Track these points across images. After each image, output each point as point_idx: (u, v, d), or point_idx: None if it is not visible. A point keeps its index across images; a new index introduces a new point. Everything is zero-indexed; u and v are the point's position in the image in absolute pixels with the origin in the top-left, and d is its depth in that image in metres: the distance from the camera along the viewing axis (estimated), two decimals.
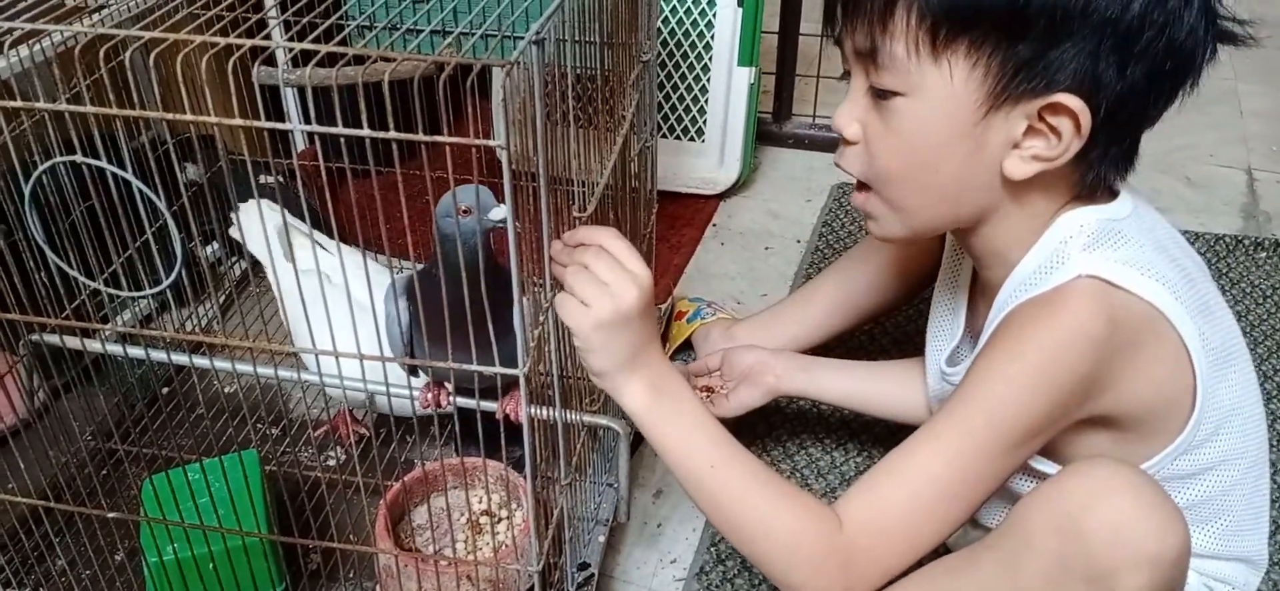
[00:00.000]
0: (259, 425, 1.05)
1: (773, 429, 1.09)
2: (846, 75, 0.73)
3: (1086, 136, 0.65)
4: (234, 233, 1.06)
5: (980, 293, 0.82)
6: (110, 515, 0.80)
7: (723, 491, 0.73)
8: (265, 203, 1.02)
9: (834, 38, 0.73)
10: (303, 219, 1.06)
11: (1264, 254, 1.36)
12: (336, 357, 0.71)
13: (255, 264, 1.14)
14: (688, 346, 1.16)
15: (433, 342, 0.82)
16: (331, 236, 1.02)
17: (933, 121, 0.68)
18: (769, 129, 1.65)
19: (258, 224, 0.96)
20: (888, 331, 1.22)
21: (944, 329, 0.88)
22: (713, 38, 1.41)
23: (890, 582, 0.72)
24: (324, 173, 0.65)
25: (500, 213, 0.76)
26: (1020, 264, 0.72)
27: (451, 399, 0.90)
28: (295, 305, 0.90)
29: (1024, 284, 0.71)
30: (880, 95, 0.69)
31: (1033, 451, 0.71)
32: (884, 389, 0.99)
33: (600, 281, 0.69)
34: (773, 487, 0.73)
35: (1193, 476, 0.74)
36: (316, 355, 0.81)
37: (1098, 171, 0.69)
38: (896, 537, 0.70)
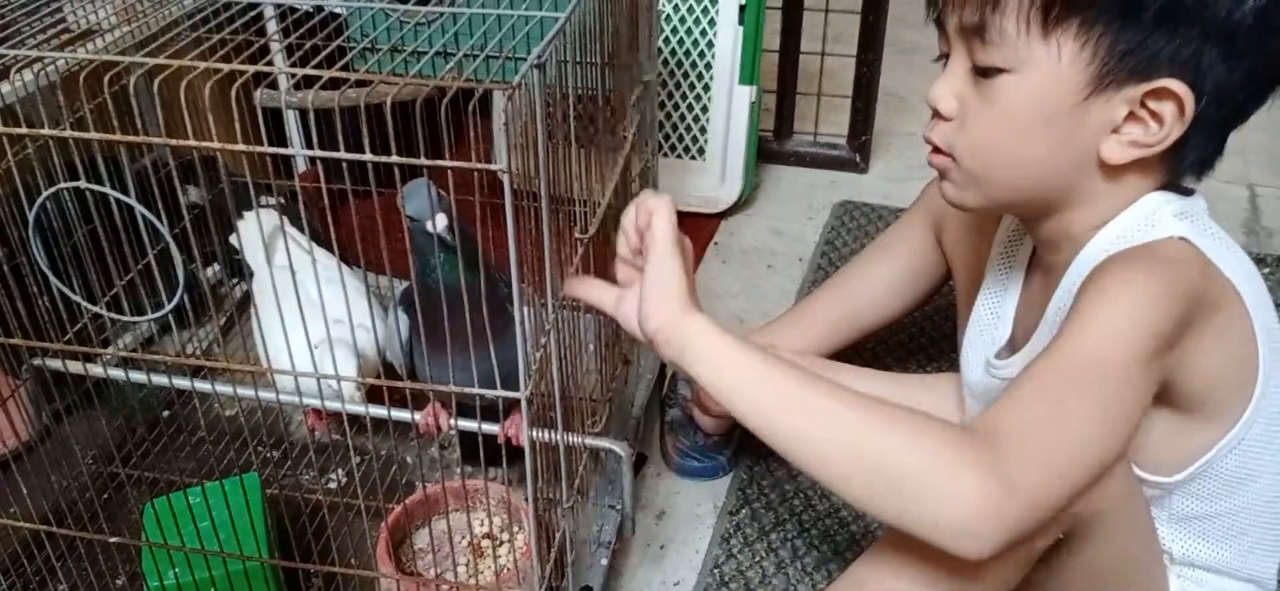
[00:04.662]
0: (260, 448, 1.04)
1: None
2: (943, 57, 0.72)
3: (1188, 124, 0.65)
4: (234, 240, 1.06)
5: (1035, 291, 0.81)
6: (112, 540, 0.80)
7: (808, 397, 0.66)
8: (264, 212, 1.03)
9: (934, 16, 0.72)
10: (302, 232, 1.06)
11: (1266, 269, 1.36)
12: (332, 377, 0.70)
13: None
14: None
15: (433, 354, 0.82)
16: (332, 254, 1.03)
17: (1035, 100, 0.68)
18: (770, 147, 1.65)
19: (255, 231, 0.97)
20: (887, 345, 1.22)
21: (984, 335, 0.87)
22: (713, 57, 1.41)
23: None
24: (326, 194, 0.65)
25: (439, 223, 0.76)
26: (1103, 231, 0.71)
27: (453, 421, 0.90)
28: (265, 312, 0.90)
29: (1106, 247, 0.70)
30: (984, 73, 0.69)
31: (1148, 392, 0.66)
32: (917, 402, 0.97)
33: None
34: (870, 399, 0.66)
35: (1237, 484, 0.73)
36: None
37: (1189, 164, 0.69)
38: (1043, 447, 0.63)
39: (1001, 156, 0.71)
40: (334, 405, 0.84)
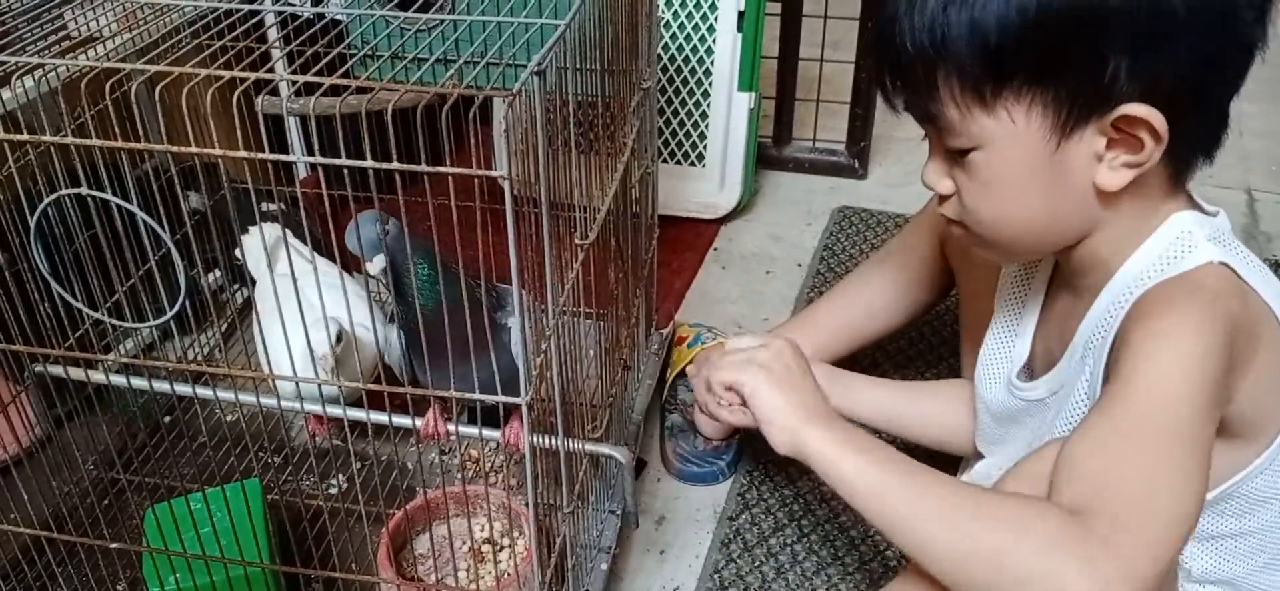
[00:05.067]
0: (261, 453, 1.04)
1: None
2: (927, 138, 0.74)
3: (1166, 135, 0.64)
4: (240, 254, 1.07)
5: (1059, 311, 0.81)
6: (112, 545, 0.80)
7: (910, 487, 0.70)
8: (267, 225, 1.03)
9: (897, 110, 0.73)
10: (304, 243, 1.07)
11: None
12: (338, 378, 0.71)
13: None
14: None
15: (433, 361, 0.82)
16: (333, 262, 1.03)
17: (1010, 166, 0.68)
18: (769, 153, 1.65)
19: (258, 244, 0.97)
20: (886, 351, 1.22)
21: (1002, 352, 0.87)
22: (712, 63, 1.42)
23: None
24: (327, 201, 0.65)
25: (376, 265, 0.78)
26: (1135, 256, 0.70)
27: (454, 428, 0.90)
28: (266, 318, 0.91)
29: (1143, 275, 0.70)
30: (957, 153, 0.70)
31: (1213, 433, 0.66)
32: (924, 409, 0.98)
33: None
34: (963, 483, 0.71)
35: (1260, 504, 0.73)
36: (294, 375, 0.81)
37: (1190, 156, 0.69)
38: (1148, 523, 0.62)
39: (1003, 220, 0.72)
40: (335, 412, 0.84)
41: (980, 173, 0.70)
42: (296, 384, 0.76)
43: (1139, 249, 0.70)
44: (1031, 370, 0.83)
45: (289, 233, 1.01)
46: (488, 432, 0.92)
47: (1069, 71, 0.64)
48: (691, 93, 1.44)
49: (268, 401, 0.90)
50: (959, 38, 0.64)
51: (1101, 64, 0.63)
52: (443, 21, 0.74)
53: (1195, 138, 0.68)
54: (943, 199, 0.75)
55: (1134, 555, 0.61)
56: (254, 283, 1.04)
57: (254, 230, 1.03)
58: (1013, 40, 0.63)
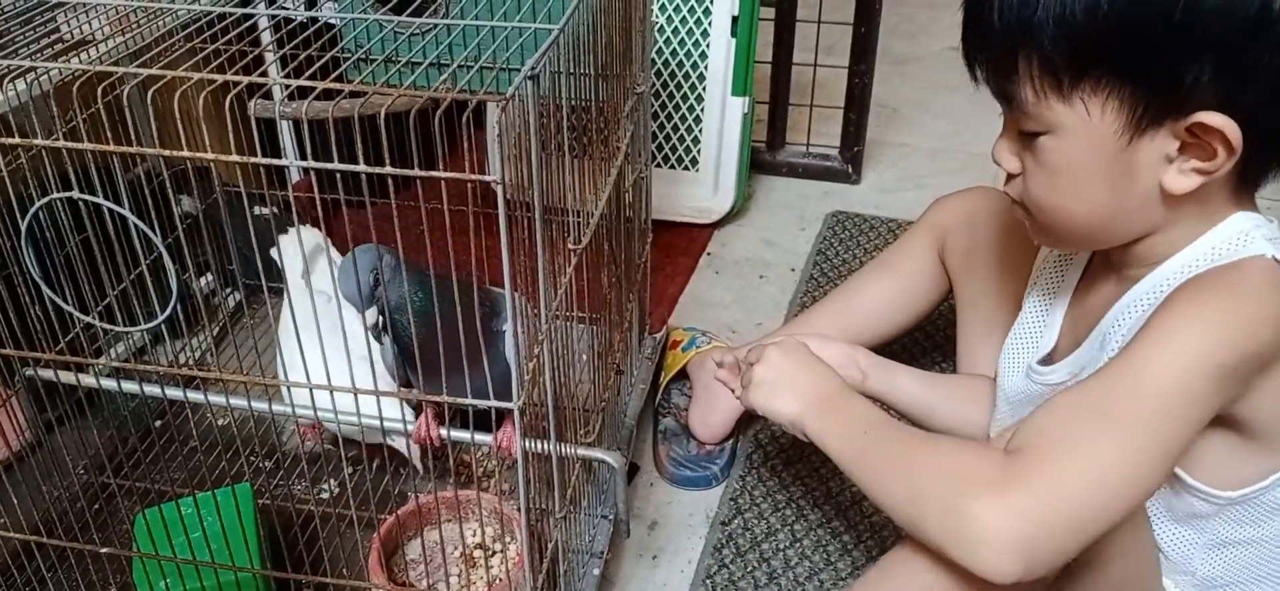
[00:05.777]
0: (252, 458, 1.04)
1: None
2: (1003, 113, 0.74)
3: (1240, 147, 0.63)
4: (275, 254, 1.06)
5: (1095, 299, 0.81)
6: (102, 550, 0.80)
7: (881, 447, 0.74)
8: (307, 231, 1.02)
9: (977, 81, 0.73)
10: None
11: None
12: (331, 389, 0.70)
13: (249, 296, 1.15)
14: (683, 375, 1.16)
15: (426, 367, 0.82)
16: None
17: (1079, 156, 0.68)
18: (763, 158, 1.65)
19: (295, 249, 0.96)
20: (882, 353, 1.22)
21: (1028, 341, 0.87)
22: (706, 68, 1.42)
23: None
24: (319, 205, 0.65)
25: (370, 318, 0.79)
26: (1186, 249, 0.70)
27: (446, 433, 0.90)
28: (289, 332, 0.90)
29: (1189, 265, 0.70)
30: (1028, 135, 0.70)
31: (1198, 422, 0.65)
32: (952, 397, 0.98)
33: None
34: (929, 436, 0.75)
35: (1272, 513, 0.73)
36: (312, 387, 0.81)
37: (1265, 166, 0.68)
38: (1064, 454, 0.63)
39: (1064, 209, 0.72)
40: (371, 422, 0.83)
41: (1048, 158, 0.70)
42: (332, 395, 0.75)
43: (1195, 242, 0.70)
44: (1053, 357, 0.84)
45: (329, 241, 1.00)
46: (480, 437, 0.92)
47: (1150, 71, 0.63)
48: (685, 97, 1.44)
49: (259, 406, 0.90)
50: (1046, 22, 0.64)
51: (1184, 68, 0.62)
52: (436, 25, 0.74)
53: (1272, 151, 0.67)
54: (1009, 177, 0.75)
55: (1044, 500, 0.62)
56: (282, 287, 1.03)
57: (292, 232, 1.02)
58: (1098, 33, 0.63)
